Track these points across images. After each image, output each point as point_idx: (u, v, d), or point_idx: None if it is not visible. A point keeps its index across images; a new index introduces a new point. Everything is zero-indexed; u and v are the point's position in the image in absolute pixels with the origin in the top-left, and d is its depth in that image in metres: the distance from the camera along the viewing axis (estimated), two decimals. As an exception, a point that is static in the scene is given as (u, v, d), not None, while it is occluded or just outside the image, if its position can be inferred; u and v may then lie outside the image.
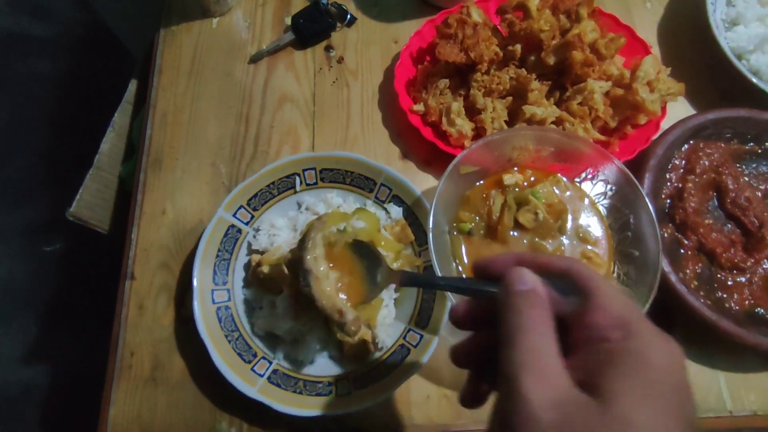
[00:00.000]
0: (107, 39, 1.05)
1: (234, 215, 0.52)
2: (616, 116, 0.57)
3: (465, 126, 0.56)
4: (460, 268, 0.48)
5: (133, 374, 0.51)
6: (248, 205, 0.53)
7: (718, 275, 0.51)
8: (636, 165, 0.55)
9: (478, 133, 0.57)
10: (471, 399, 0.30)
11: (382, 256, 0.41)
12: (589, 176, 0.51)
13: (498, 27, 0.60)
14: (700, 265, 0.52)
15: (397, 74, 0.60)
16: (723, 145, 0.56)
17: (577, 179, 0.52)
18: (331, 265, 0.43)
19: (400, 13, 0.69)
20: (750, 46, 0.60)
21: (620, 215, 0.49)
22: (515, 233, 0.49)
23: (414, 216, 0.53)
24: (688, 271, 0.51)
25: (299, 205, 0.55)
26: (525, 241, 0.49)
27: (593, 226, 0.50)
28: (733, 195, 0.54)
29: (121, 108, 0.73)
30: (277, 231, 0.52)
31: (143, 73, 0.72)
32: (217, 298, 0.50)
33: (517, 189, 0.51)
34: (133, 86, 0.75)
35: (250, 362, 0.48)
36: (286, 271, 0.47)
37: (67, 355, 1.16)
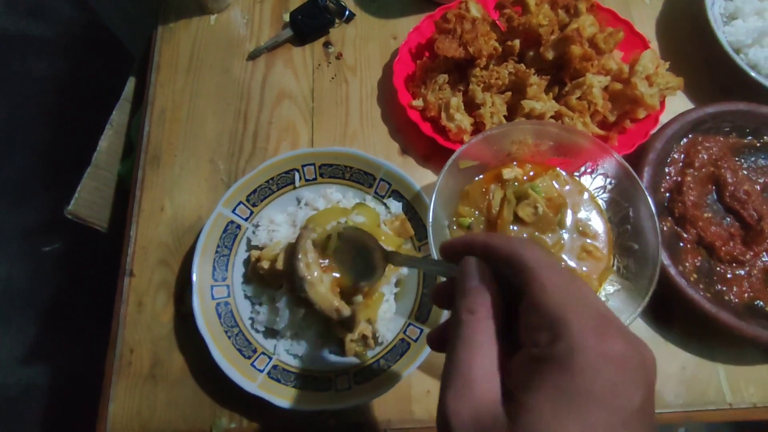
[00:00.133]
0: (105, 37, 1.05)
1: (233, 211, 0.52)
2: (615, 110, 0.57)
3: (464, 121, 0.56)
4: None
5: (133, 371, 0.51)
6: (247, 201, 0.53)
7: (718, 268, 0.52)
8: (635, 159, 0.55)
9: (477, 128, 0.57)
10: (437, 343, 0.29)
11: (373, 238, 0.41)
12: (589, 170, 0.51)
13: (497, 22, 0.60)
14: (699, 258, 0.52)
15: (396, 70, 0.60)
16: (722, 138, 0.57)
17: (577, 173, 0.52)
18: (326, 261, 0.45)
19: (398, 9, 0.69)
20: (748, 40, 0.60)
21: (620, 209, 0.49)
22: (515, 227, 0.49)
23: (414, 211, 0.53)
24: (687, 264, 0.51)
25: (298, 201, 0.55)
26: (525, 236, 0.49)
27: (593, 219, 0.50)
28: (732, 188, 0.54)
29: (119, 106, 0.73)
30: (276, 227, 0.52)
31: (141, 70, 0.72)
32: (216, 294, 0.49)
33: (516, 183, 0.51)
34: (131, 84, 0.75)
35: (249, 358, 0.48)
36: (280, 266, 0.48)
37: (66, 354, 1.16)
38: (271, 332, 0.50)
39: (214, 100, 0.64)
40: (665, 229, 0.53)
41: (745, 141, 0.57)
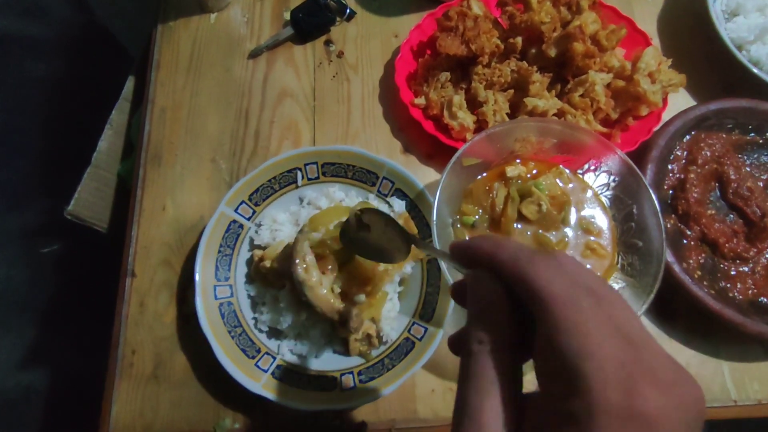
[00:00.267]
0: (103, 37, 1.05)
1: (236, 210, 0.52)
2: (618, 108, 0.57)
3: (467, 119, 0.56)
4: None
5: (135, 373, 0.51)
6: (250, 200, 0.52)
7: (721, 265, 0.52)
8: (638, 156, 0.55)
9: (480, 126, 0.57)
10: (456, 347, 0.25)
11: (393, 219, 0.38)
12: (592, 167, 0.51)
13: (499, 19, 0.60)
14: (703, 255, 0.52)
15: (397, 68, 0.60)
16: (724, 135, 0.57)
17: (580, 171, 0.52)
18: (330, 268, 0.45)
19: (399, 7, 0.68)
20: (750, 37, 0.60)
21: (623, 206, 0.49)
22: (519, 225, 0.49)
23: (417, 209, 0.52)
24: (691, 261, 0.51)
25: (301, 200, 0.54)
26: (529, 233, 0.48)
27: (597, 217, 0.50)
28: (735, 185, 0.54)
29: (119, 106, 0.73)
30: (279, 226, 0.52)
31: (141, 69, 0.71)
32: (219, 294, 0.49)
33: (520, 181, 0.50)
34: (130, 83, 0.74)
35: (253, 358, 0.47)
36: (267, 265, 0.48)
37: (66, 357, 1.15)
38: (274, 332, 0.49)
39: (215, 99, 0.63)
40: (669, 226, 0.53)
41: (748, 138, 0.57)
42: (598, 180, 0.51)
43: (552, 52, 0.56)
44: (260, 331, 0.49)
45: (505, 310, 0.21)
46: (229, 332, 0.48)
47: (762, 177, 0.55)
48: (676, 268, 0.50)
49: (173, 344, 0.52)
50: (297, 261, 0.43)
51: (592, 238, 0.49)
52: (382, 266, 0.46)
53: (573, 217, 0.49)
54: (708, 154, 0.56)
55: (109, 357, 0.52)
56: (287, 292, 0.48)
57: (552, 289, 0.19)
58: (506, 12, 0.57)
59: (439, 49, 0.56)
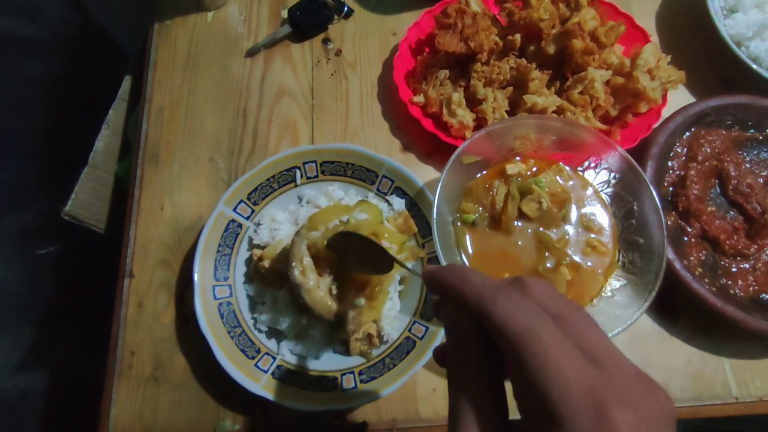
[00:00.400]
0: (100, 37, 1.04)
1: (234, 210, 0.51)
2: (617, 105, 0.57)
3: (466, 116, 0.56)
4: (464, 259, 0.47)
5: (134, 374, 0.51)
6: (248, 199, 0.52)
7: (722, 262, 0.51)
8: (638, 153, 0.55)
9: (479, 123, 0.57)
10: (443, 359, 0.27)
11: (375, 243, 0.41)
12: (592, 165, 0.51)
13: (497, 16, 0.59)
14: (703, 252, 0.52)
15: (396, 66, 0.60)
16: (724, 132, 0.56)
17: (580, 168, 0.51)
18: (328, 271, 0.45)
19: (397, 5, 0.68)
20: (749, 33, 0.60)
21: (624, 203, 0.49)
22: (519, 223, 0.48)
23: (417, 207, 0.52)
24: (692, 258, 0.51)
25: (300, 199, 0.54)
26: (529, 231, 0.48)
27: (597, 214, 0.49)
28: (735, 182, 0.54)
29: (116, 105, 0.72)
30: (278, 225, 0.51)
31: (137, 69, 0.71)
32: (218, 294, 0.49)
33: (520, 179, 0.50)
34: (127, 83, 0.74)
35: (253, 358, 0.47)
36: (265, 264, 0.47)
37: (65, 359, 1.14)
38: (274, 332, 0.49)
39: (212, 98, 0.63)
40: (669, 223, 0.53)
41: (748, 134, 0.57)
42: (599, 177, 0.51)
43: (551, 49, 0.55)
44: (260, 331, 0.49)
45: (475, 342, 0.22)
46: (229, 332, 0.47)
47: (762, 173, 0.55)
48: (677, 265, 0.49)
49: (172, 345, 0.51)
50: (294, 264, 0.43)
51: (592, 235, 0.48)
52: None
53: (573, 215, 0.49)
54: (708, 150, 0.55)
55: (107, 358, 0.51)
56: (286, 293, 0.47)
57: (513, 327, 0.19)
58: (505, 9, 0.57)
59: (438, 47, 0.56)
